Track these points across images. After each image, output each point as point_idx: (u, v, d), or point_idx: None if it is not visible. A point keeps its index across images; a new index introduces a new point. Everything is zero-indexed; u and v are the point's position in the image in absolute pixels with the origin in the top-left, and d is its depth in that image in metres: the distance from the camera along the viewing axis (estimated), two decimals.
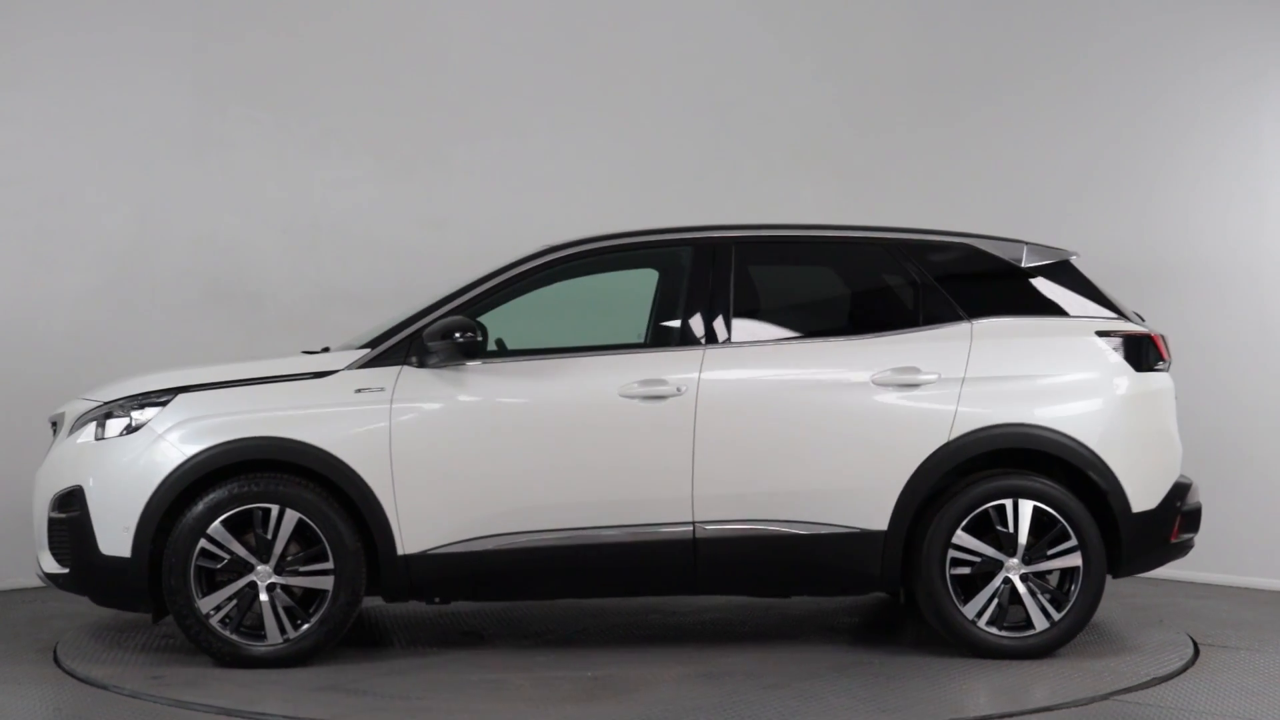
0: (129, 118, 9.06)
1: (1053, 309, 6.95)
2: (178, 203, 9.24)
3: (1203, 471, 8.67)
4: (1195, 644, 7.04)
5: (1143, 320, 7.11)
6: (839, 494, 6.65)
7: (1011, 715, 5.81)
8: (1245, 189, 8.85)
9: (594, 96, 10.36)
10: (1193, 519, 7.00)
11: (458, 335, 6.58)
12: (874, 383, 6.69)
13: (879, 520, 6.65)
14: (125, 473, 6.62)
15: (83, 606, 7.99)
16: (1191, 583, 8.68)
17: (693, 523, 6.64)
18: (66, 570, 6.74)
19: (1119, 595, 8.07)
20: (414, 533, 6.60)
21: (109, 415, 6.78)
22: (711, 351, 6.75)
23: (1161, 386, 6.94)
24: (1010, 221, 9.38)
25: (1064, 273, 7.05)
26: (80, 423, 6.88)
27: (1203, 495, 8.47)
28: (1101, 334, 6.87)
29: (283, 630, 6.56)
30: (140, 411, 6.72)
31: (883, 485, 6.66)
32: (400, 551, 6.60)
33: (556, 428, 6.65)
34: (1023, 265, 7.00)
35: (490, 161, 10.12)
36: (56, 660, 6.78)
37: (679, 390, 6.65)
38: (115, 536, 6.59)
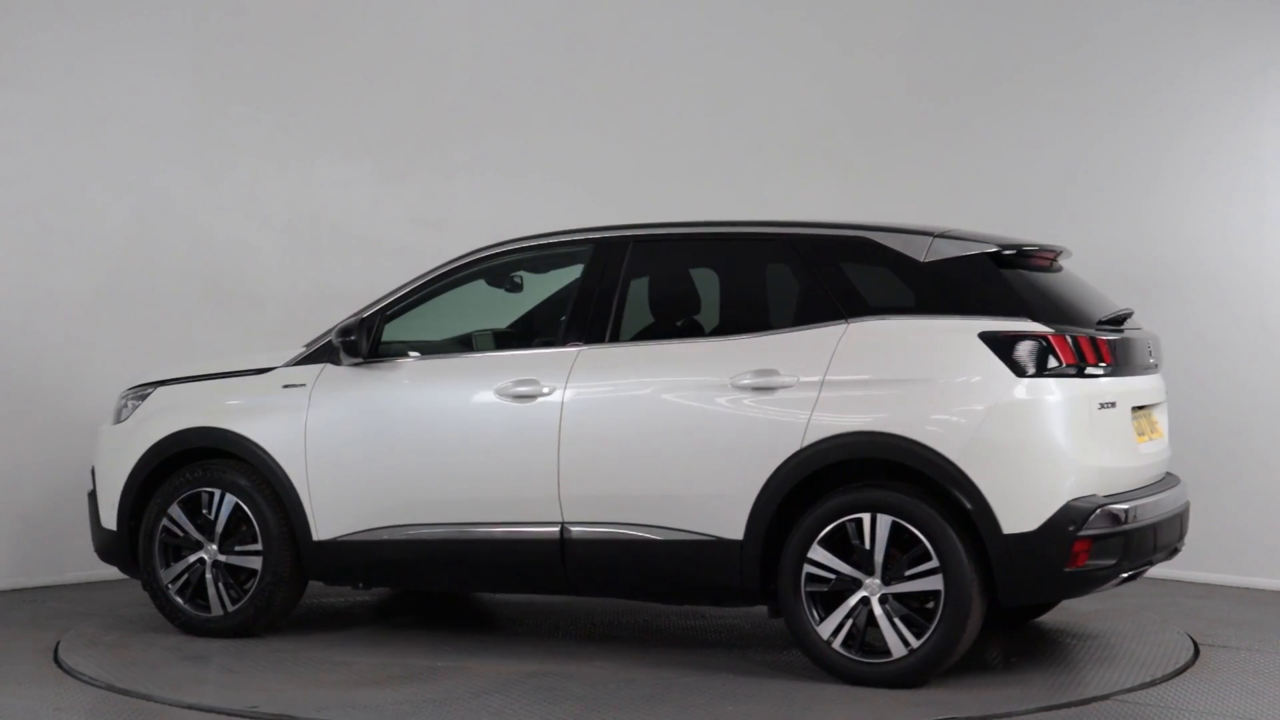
0: (129, 117, 9.06)
1: (945, 308, 6.27)
2: (178, 203, 9.24)
3: (1203, 471, 8.69)
4: (1195, 644, 7.03)
5: (1121, 321, 6.53)
6: (696, 500, 6.38)
7: (1011, 715, 5.81)
8: (1245, 187, 8.82)
9: (594, 96, 10.36)
10: (1110, 544, 6.05)
11: (351, 336, 6.96)
12: (732, 385, 6.35)
13: (735, 529, 6.31)
14: (116, 455, 7.44)
15: (83, 606, 8.02)
16: (1191, 583, 8.67)
17: (561, 523, 6.61)
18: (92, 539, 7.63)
19: (1119, 595, 8.07)
20: (326, 520, 7.01)
21: (125, 404, 7.60)
22: (587, 351, 6.67)
23: (1062, 395, 6.04)
24: (1009, 218, 9.39)
25: (974, 268, 6.32)
26: (114, 409, 7.72)
27: (1203, 495, 8.44)
28: (986, 335, 6.13)
29: (223, 604, 7.14)
30: (137, 401, 7.52)
31: (737, 493, 6.30)
32: (315, 537, 7.03)
33: (442, 425, 6.87)
34: (922, 260, 6.37)
35: (490, 161, 10.13)
36: (57, 660, 6.78)
37: (547, 390, 6.64)
38: (109, 511, 7.44)
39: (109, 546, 7.47)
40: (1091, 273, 8.26)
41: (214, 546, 7.15)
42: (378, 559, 6.95)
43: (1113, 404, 6.27)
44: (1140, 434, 6.51)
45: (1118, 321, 6.55)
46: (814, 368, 6.26)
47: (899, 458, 6.08)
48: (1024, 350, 6.05)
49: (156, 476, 7.31)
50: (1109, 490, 6.16)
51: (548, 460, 6.60)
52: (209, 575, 7.14)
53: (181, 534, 7.20)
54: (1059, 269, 6.79)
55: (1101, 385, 6.20)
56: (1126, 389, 6.40)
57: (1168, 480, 6.83)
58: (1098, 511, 6.00)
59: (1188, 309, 8.89)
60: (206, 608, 7.16)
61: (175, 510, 7.20)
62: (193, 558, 7.18)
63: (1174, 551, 6.70)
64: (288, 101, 9.60)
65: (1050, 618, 7.55)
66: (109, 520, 7.41)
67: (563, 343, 6.76)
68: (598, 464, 6.55)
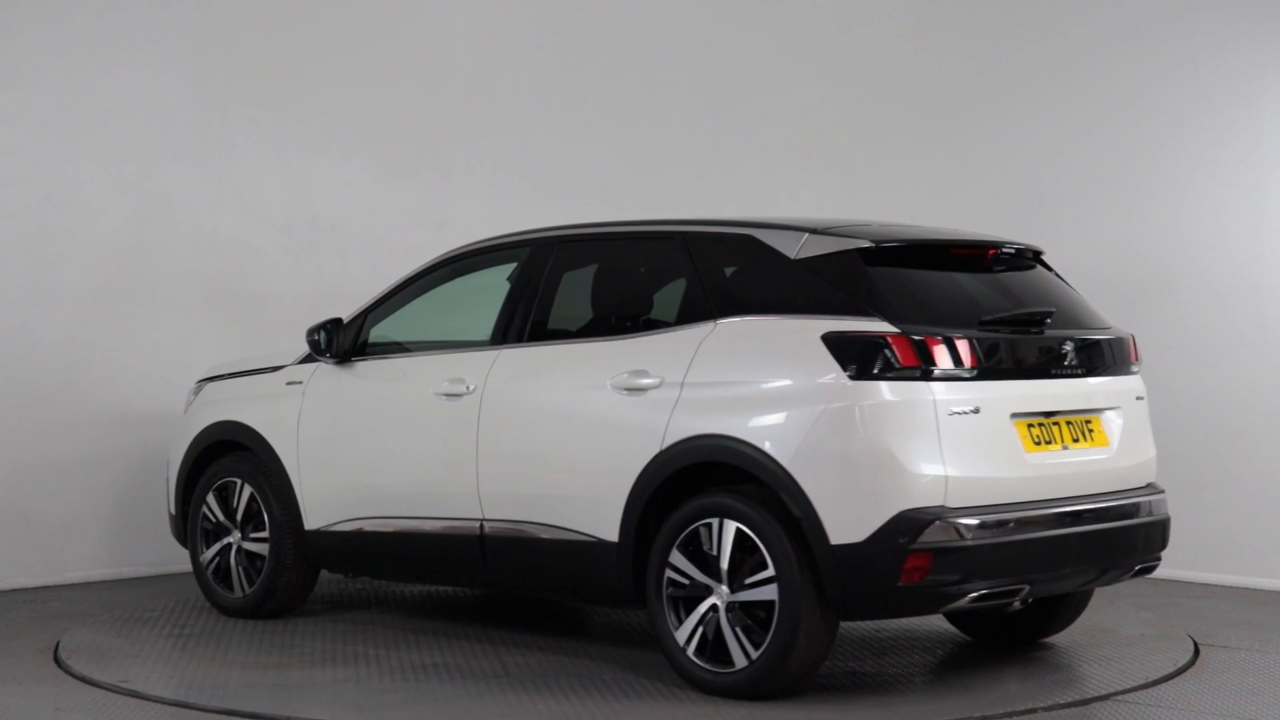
0: (129, 117, 9.06)
1: (810, 306, 5.96)
2: (178, 203, 9.24)
3: (1203, 472, 8.69)
4: (1195, 644, 7.02)
5: (1038, 322, 6.11)
6: (581, 501, 6.38)
7: (1011, 715, 5.81)
8: (1243, 186, 8.78)
9: (594, 96, 10.36)
10: (953, 560, 5.64)
11: (315, 336, 7.37)
12: (611, 386, 6.31)
13: (612, 531, 6.27)
14: (176, 445, 8.01)
15: (83, 606, 8.02)
16: (1191, 583, 8.67)
17: (481, 519, 6.74)
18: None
19: (1119, 595, 8.07)
20: (312, 511, 7.40)
21: (190, 397, 8.13)
22: (505, 351, 6.78)
23: (897, 399, 5.69)
24: (1008, 216, 9.39)
25: (841, 265, 5.99)
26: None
27: (1203, 496, 8.43)
28: (827, 336, 5.83)
29: (243, 587, 7.61)
30: (194, 395, 8.09)
31: (612, 494, 6.25)
32: (306, 527, 7.42)
33: (391, 422, 7.15)
34: (793, 257, 6.10)
35: (490, 161, 10.13)
36: (57, 660, 6.78)
37: (470, 390, 6.78)
38: (173, 496, 8.04)
39: (175, 530, 8.06)
40: (1091, 271, 8.26)
41: (237, 533, 7.64)
42: (348, 550, 7.31)
43: (975, 409, 5.80)
44: (1043, 442, 6.03)
45: (1032, 322, 6.11)
46: (677, 369, 6.14)
47: (739, 462, 5.90)
48: (860, 352, 5.73)
49: (201, 465, 7.86)
50: (972, 502, 5.74)
51: (469, 457, 6.75)
52: (233, 559, 7.65)
53: (214, 520, 7.73)
54: (1030, 266, 6.52)
55: (958, 389, 5.78)
56: (1008, 394, 5.94)
57: (1121, 494, 6.31)
58: (934, 524, 5.62)
59: (1185, 309, 8.88)
60: (231, 589, 7.67)
61: (210, 497, 7.74)
62: (222, 542, 7.71)
63: (1105, 571, 6.27)
64: (288, 101, 9.59)
65: None
66: (173, 506, 8.02)
67: (491, 343, 6.89)
68: (506, 462, 6.67)
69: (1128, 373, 6.52)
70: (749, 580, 5.87)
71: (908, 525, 5.61)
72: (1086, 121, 9.39)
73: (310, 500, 7.38)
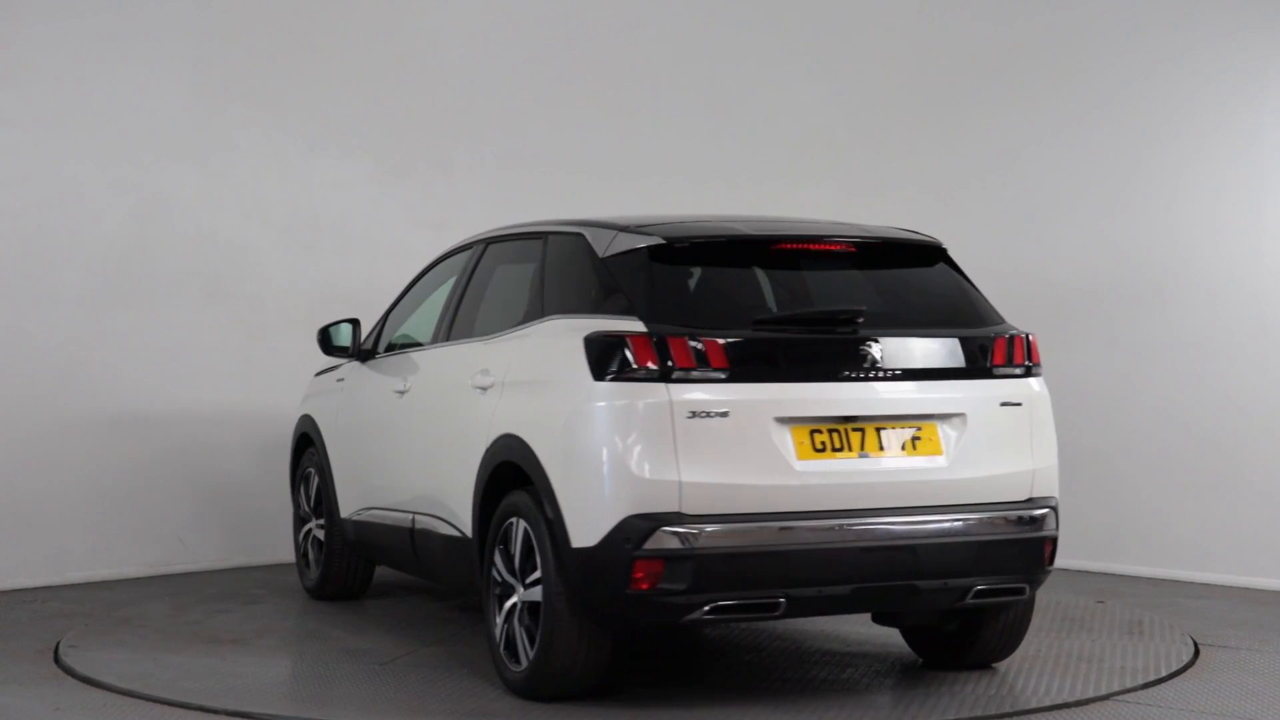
0: (129, 117, 9.06)
1: (606, 306, 5.84)
2: (178, 203, 9.24)
3: (1203, 472, 8.68)
4: (1195, 644, 7.02)
5: (844, 321, 5.74)
6: (454, 497, 6.46)
7: (1013, 715, 5.81)
8: (1240, 184, 8.74)
9: (594, 96, 10.36)
10: (680, 569, 5.43)
11: (320, 336, 7.84)
12: (470, 385, 6.37)
13: (469, 527, 6.35)
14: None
15: (83, 606, 8.02)
16: (1191, 583, 8.67)
17: (413, 513, 6.97)
18: None
19: (1119, 595, 8.07)
20: (341, 501, 7.87)
21: None
22: (431, 351, 7.05)
23: (628, 401, 5.49)
24: (1007, 216, 9.38)
25: (632, 263, 5.85)
26: None
27: (1203, 495, 8.40)
28: (587, 338, 5.67)
29: (314, 570, 8.22)
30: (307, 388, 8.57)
31: (464, 491, 6.32)
32: (340, 515, 7.89)
33: (372, 418, 7.52)
34: (601, 255, 5.98)
35: (490, 161, 10.13)
36: (57, 660, 6.78)
37: (407, 388, 7.10)
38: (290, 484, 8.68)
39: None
40: (1086, 270, 8.22)
41: (314, 520, 8.24)
42: (357, 539, 7.75)
43: (724, 413, 5.49)
44: (827, 449, 5.63)
45: (836, 321, 5.74)
46: (504, 368, 6.20)
47: (518, 461, 5.90)
48: (604, 352, 5.59)
49: (299, 455, 8.49)
50: (718, 509, 5.46)
51: (405, 452, 7.08)
52: (309, 545, 8.28)
53: (303, 508, 8.38)
54: (927, 263, 6.18)
55: (704, 391, 5.51)
56: (774, 397, 5.58)
57: (950, 509, 5.76)
58: (659, 531, 5.41)
59: (1184, 308, 8.87)
60: (311, 571, 8.28)
61: (300, 487, 8.39)
62: (305, 528, 8.34)
63: (915, 592, 5.76)
64: (288, 101, 9.60)
65: (1050, 617, 7.54)
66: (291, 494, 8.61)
67: (431, 342, 7.13)
68: (423, 457, 6.88)
69: (988, 376, 5.92)
70: (528, 581, 5.88)
71: (633, 531, 5.43)
72: (1090, 121, 9.37)
73: (339, 490, 7.87)
